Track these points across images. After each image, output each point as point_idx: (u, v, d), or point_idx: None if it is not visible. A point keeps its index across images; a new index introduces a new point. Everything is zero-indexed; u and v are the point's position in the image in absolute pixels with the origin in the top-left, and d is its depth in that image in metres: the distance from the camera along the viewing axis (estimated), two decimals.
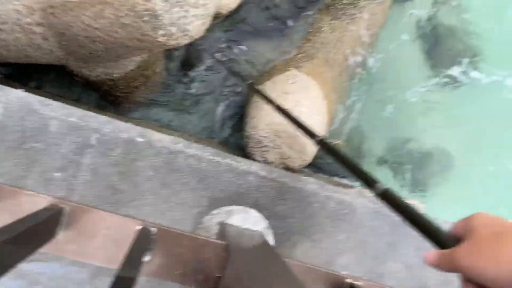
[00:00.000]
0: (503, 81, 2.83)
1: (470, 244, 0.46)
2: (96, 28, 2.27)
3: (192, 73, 3.17)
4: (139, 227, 0.71)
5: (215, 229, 1.03)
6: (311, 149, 3.14)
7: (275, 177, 1.05)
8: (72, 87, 2.67)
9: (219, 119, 3.12)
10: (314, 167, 3.21)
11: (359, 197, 1.08)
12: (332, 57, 3.41)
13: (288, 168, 3.02)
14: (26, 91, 0.98)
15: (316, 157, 3.28)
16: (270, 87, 3.15)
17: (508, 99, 2.86)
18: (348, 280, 0.82)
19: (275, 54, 3.45)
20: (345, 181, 2.81)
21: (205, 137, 3.19)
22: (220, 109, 3.17)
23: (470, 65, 2.88)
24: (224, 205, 1.03)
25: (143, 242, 0.70)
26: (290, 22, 3.27)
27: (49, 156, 0.96)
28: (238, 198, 1.03)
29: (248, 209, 1.04)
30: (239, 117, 3.14)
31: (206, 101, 3.11)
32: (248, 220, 1.03)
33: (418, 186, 3.10)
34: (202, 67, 3.14)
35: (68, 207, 0.67)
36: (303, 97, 3.02)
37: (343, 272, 1.04)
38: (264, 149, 3.05)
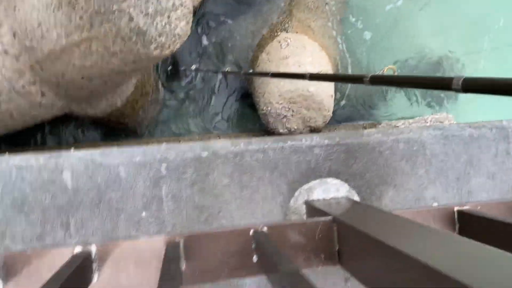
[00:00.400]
0: None
1: None
2: (89, 66, 2.25)
3: (186, 81, 3.15)
4: (168, 240, 0.72)
5: (303, 208, 1.05)
6: (328, 103, 3.12)
7: (338, 141, 1.06)
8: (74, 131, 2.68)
9: (229, 112, 3.12)
10: (336, 120, 3.22)
11: (423, 129, 1.09)
12: (313, 5, 3.36)
13: (314, 129, 3.03)
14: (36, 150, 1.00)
15: (343, 107, 3.27)
16: (266, 59, 3.13)
17: None
18: (456, 208, 0.84)
19: (258, 25, 3.40)
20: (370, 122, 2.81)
21: (223, 133, 3.20)
22: (227, 103, 3.16)
23: None
24: (303, 184, 1.05)
25: (174, 253, 0.70)
26: None
27: (129, 200, 0.98)
28: (313, 173, 1.05)
29: (325, 179, 1.06)
30: (247, 104, 3.13)
31: (212, 100, 3.11)
32: (330, 190, 1.05)
33: (439, 98, 3.10)
34: (194, 72, 3.11)
35: (95, 248, 0.69)
36: (302, 56, 2.99)
37: (435, 204, 1.07)
38: (284, 120, 3.05)
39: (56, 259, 0.71)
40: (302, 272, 0.57)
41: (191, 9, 2.22)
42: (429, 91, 2.85)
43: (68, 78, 2.13)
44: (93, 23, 1.93)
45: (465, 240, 0.65)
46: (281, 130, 3.13)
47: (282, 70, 2.91)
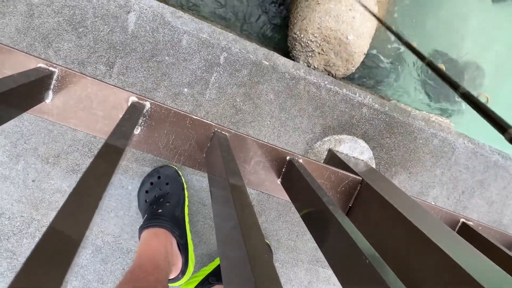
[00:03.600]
0: None
1: None
2: None
3: None
4: (133, 100, 0.70)
5: (324, 154, 1.09)
6: (358, 59, 3.09)
7: (386, 110, 1.07)
8: None
9: (259, 13, 3.00)
10: (350, 77, 3.20)
11: (460, 137, 1.12)
12: None
13: (330, 75, 3.00)
14: None
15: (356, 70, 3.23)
16: None
17: None
18: (462, 220, 0.91)
19: None
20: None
21: (243, 31, 3.09)
22: (262, 7, 3.03)
23: None
24: (336, 134, 1.08)
25: (134, 114, 0.67)
26: None
27: (179, 71, 0.97)
28: (350, 128, 1.07)
29: (356, 138, 1.09)
30: (282, 16, 3.01)
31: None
32: (356, 150, 1.09)
33: (450, 103, 3.13)
34: None
35: (59, 71, 0.65)
36: (355, 2, 2.88)
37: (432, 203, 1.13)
38: (310, 54, 2.99)
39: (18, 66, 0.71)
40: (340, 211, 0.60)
41: None
42: (449, 97, 2.87)
43: None
44: None
45: (471, 246, 0.71)
46: (300, 61, 3.08)
47: (333, 5, 2.79)
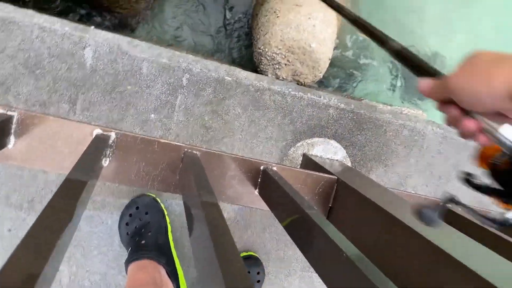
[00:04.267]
0: None
1: (465, 68, 0.43)
2: None
3: None
4: (97, 132, 0.69)
5: (299, 160, 1.09)
6: (324, 64, 3.15)
7: (353, 108, 1.09)
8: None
9: (224, 35, 3.03)
10: (321, 83, 3.25)
11: (428, 124, 1.15)
12: None
13: (299, 84, 3.04)
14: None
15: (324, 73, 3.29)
16: (279, 0, 3.03)
17: None
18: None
19: None
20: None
21: (212, 55, 3.12)
22: (223, 23, 3.06)
23: None
24: (307, 138, 1.09)
25: (99, 147, 0.66)
26: None
27: (143, 98, 0.97)
28: (320, 130, 1.09)
29: (328, 140, 1.10)
30: (245, 34, 3.06)
31: (209, 18, 3.00)
32: (329, 150, 1.10)
33: (420, 96, 3.21)
34: None
35: (18, 114, 0.65)
36: (315, 10, 2.95)
37: (416, 192, 1.15)
38: (277, 66, 3.04)
39: None
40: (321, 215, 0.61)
41: None
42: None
43: None
44: None
45: (451, 228, 0.72)
46: (269, 75, 3.12)
47: (292, 16, 2.85)
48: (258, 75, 1.05)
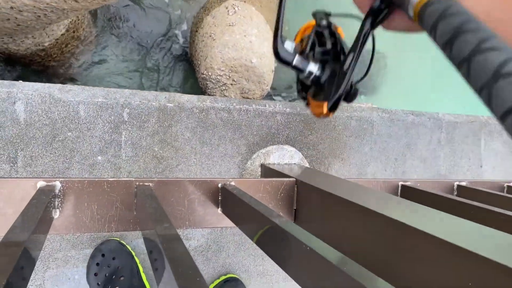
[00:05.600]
0: None
1: None
2: None
3: (124, 25, 2.98)
4: (41, 185, 0.66)
5: (258, 171, 1.09)
6: (268, 77, 3.21)
7: (299, 111, 1.11)
8: None
9: (164, 68, 3.03)
10: (271, 95, 3.30)
11: (373, 111, 1.19)
12: None
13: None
14: None
15: (272, 86, 3.35)
16: (211, 22, 3.08)
17: None
18: (400, 183, 0.94)
19: None
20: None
21: (154, 89, 3.10)
22: (163, 58, 3.07)
23: None
24: (261, 148, 1.09)
25: (43, 199, 0.62)
26: None
27: (86, 142, 0.94)
28: (272, 138, 1.09)
29: (282, 146, 1.11)
30: (185, 62, 3.07)
31: (145, 54, 2.99)
32: (285, 156, 1.11)
33: (365, 88, 3.33)
34: (134, 17, 2.96)
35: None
36: (248, 27, 3.01)
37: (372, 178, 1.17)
38: (223, 87, 3.06)
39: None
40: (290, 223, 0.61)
41: None
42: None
43: None
44: None
45: (409, 202, 0.74)
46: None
47: (227, 37, 2.90)
48: (200, 96, 1.04)
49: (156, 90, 2.98)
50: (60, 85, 0.93)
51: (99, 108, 0.94)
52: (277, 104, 1.09)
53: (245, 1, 3.37)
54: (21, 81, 0.91)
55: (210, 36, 3.13)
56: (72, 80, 2.83)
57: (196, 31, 3.34)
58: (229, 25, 3.15)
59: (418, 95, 3.16)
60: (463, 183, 0.99)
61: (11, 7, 2.02)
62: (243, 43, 3.00)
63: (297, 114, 1.10)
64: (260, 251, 1.12)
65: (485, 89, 0.28)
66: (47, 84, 0.92)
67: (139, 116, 0.97)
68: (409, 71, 3.21)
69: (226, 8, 3.19)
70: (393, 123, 1.19)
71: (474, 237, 0.47)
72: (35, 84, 0.91)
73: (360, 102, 3.09)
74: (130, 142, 0.97)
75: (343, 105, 1.38)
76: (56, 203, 0.70)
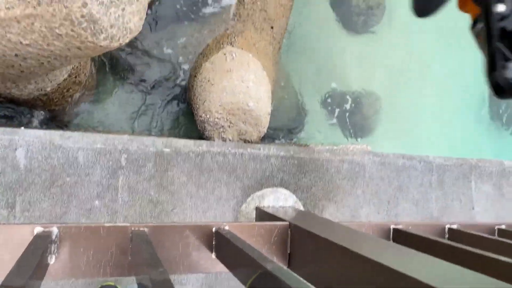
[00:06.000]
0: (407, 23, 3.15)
1: None
2: (27, 44, 2.12)
3: (124, 70, 3.08)
4: (38, 231, 0.68)
5: (253, 214, 1.11)
6: (265, 120, 3.27)
7: (292, 154, 1.14)
8: None
9: (163, 112, 3.10)
10: (269, 137, 3.35)
11: (365, 154, 1.22)
12: (259, 26, 3.51)
13: (247, 142, 3.12)
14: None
15: (269, 128, 3.40)
16: (210, 68, 3.18)
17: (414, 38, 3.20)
18: (392, 226, 0.96)
19: (203, 33, 3.44)
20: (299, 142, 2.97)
21: (154, 133, 3.15)
22: (162, 102, 3.14)
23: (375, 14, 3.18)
24: (256, 190, 1.11)
25: (40, 245, 0.64)
26: (211, 2, 3.27)
27: (84, 187, 0.96)
28: (266, 181, 1.12)
29: (276, 188, 1.13)
30: (184, 105, 3.14)
31: (145, 97, 3.06)
32: (280, 198, 1.13)
33: (361, 131, 3.39)
34: (135, 63, 3.06)
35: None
36: (246, 73, 3.10)
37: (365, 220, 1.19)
38: (221, 130, 3.11)
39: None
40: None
41: (146, 6, 2.21)
42: (360, 116, 3.13)
43: None
44: (41, 0, 1.83)
45: (401, 247, 0.75)
46: (215, 140, 3.18)
47: (226, 82, 2.98)
48: (197, 140, 1.08)
49: (155, 134, 3.03)
50: (61, 131, 0.96)
51: (98, 154, 0.97)
52: (272, 147, 1.12)
53: (242, 48, 3.50)
54: (23, 128, 0.95)
55: (208, 81, 3.21)
56: (72, 123, 2.88)
57: (195, 76, 3.44)
58: (227, 71, 3.25)
59: (413, 136, 3.21)
60: (454, 226, 1.00)
61: (16, 55, 2.09)
62: (241, 88, 3.08)
63: (290, 157, 1.13)
64: None
65: None
66: (48, 131, 0.95)
67: (136, 161, 1.00)
68: (404, 112, 3.28)
69: (224, 54, 3.30)
70: (385, 166, 1.22)
71: (465, 284, 0.49)
72: (37, 131, 0.94)
73: (355, 144, 3.15)
74: (127, 186, 0.99)
75: (349, 150, 1.41)
76: (53, 248, 0.71)
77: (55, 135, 0.95)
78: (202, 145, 1.06)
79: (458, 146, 2.86)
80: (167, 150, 1.02)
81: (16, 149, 0.91)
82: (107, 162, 0.98)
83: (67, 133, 0.96)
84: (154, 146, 1.02)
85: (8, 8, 1.94)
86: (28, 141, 0.92)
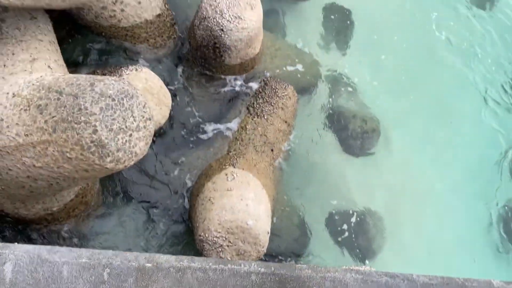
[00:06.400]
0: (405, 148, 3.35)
1: None
2: (39, 167, 2.29)
3: (130, 191, 3.20)
4: None
5: None
6: (264, 239, 3.27)
7: (273, 270, 1.17)
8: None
9: (164, 232, 3.14)
10: (269, 255, 3.30)
11: (347, 272, 1.23)
12: (260, 149, 3.73)
13: None
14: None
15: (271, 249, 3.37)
16: (211, 188, 3.30)
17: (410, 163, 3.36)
18: None
19: (208, 155, 3.64)
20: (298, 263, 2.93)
21: (154, 251, 3.14)
22: (164, 221, 3.20)
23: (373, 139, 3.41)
24: None
25: None
26: (215, 126, 3.54)
27: None
28: None
29: None
30: (184, 225, 3.19)
31: (148, 217, 3.14)
32: None
33: (366, 252, 3.33)
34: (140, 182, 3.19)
35: None
36: (245, 191, 3.20)
37: None
38: (220, 249, 3.10)
39: None
40: None
41: (152, 132, 2.41)
42: (364, 237, 3.13)
43: (12, 175, 2.12)
44: (57, 128, 2.03)
45: None
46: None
47: (225, 200, 3.07)
48: (178, 256, 1.12)
49: (154, 250, 3.03)
50: (50, 246, 1.02)
51: (82, 268, 1.01)
52: (252, 264, 1.15)
53: (243, 169, 3.67)
54: (16, 243, 1.01)
55: (209, 200, 3.31)
56: (73, 239, 2.90)
57: (197, 195, 3.55)
58: (228, 190, 3.35)
59: (415, 255, 3.16)
60: None
61: (28, 176, 2.25)
62: (240, 206, 3.15)
63: (271, 274, 1.15)
64: None
65: None
66: (37, 246, 1.02)
67: (118, 276, 1.03)
68: (407, 230, 3.27)
69: (226, 175, 3.44)
70: (367, 285, 1.22)
71: None
72: (27, 246, 1.01)
73: (359, 266, 3.07)
74: None
75: (315, 265, 1.43)
76: None
77: (43, 250, 1.01)
78: (183, 260, 1.10)
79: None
80: (148, 265, 1.06)
81: (5, 263, 0.97)
82: (90, 276, 1.01)
83: (55, 248, 1.02)
84: (137, 261, 1.06)
85: (26, 135, 2.15)
86: (17, 255, 0.98)
